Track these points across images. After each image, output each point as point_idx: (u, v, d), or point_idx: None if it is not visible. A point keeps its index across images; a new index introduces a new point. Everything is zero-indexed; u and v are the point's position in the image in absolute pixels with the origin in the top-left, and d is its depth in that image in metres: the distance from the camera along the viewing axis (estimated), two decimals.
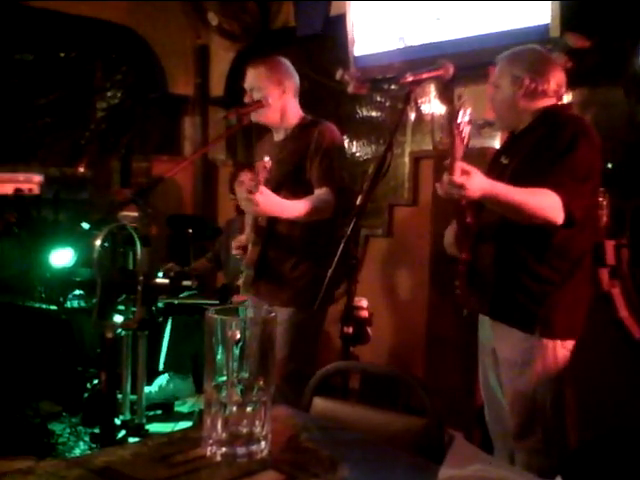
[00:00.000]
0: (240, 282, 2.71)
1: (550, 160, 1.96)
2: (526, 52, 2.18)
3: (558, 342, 2.05)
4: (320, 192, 2.49)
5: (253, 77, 2.62)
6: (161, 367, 3.86)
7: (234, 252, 2.73)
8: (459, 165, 1.78)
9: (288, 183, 2.54)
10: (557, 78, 2.12)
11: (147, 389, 3.45)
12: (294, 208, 2.44)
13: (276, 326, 1.14)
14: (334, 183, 2.49)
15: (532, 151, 2.05)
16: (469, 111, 1.82)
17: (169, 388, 3.79)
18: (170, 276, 3.61)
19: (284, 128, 2.65)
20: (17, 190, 3.31)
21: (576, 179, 1.94)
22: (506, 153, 2.19)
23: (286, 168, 2.56)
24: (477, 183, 1.81)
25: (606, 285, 2.81)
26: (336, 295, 2.54)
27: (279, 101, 2.59)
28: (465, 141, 1.81)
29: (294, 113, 2.65)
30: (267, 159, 2.25)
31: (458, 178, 1.78)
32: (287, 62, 2.68)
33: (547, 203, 1.89)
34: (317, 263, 2.46)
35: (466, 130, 1.80)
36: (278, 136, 2.69)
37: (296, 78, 2.67)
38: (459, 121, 1.80)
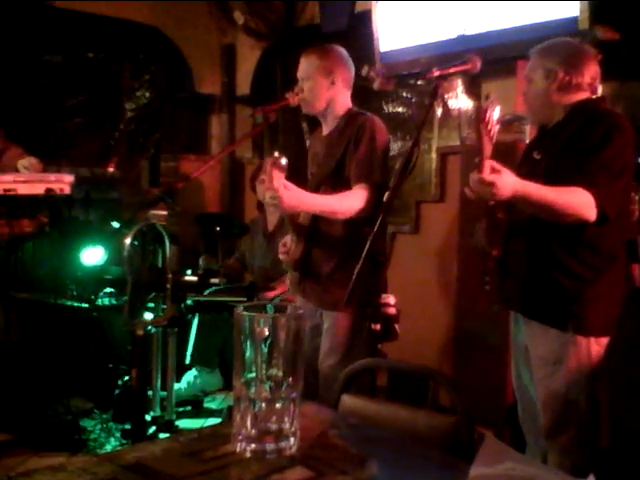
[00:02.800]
0: (287, 282, 2.67)
1: (583, 156, 1.93)
2: (560, 45, 2.14)
3: (592, 339, 2.01)
4: (357, 188, 2.38)
5: (304, 66, 2.53)
6: (188, 361, 3.89)
7: (280, 256, 2.62)
8: (488, 163, 1.77)
9: (330, 178, 2.46)
10: (591, 71, 2.08)
11: (176, 386, 3.48)
12: (322, 202, 2.36)
13: (305, 323, 1.14)
14: (372, 180, 2.37)
15: (565, 146, 2.01)
16: (497, 109, 1.80)
17: (197, 383, 3.82)
18: (198, 274, 3.64)
19: (331, 121, 2.55)
20: (48, 190, 3.35)
21: (609, 176, 1.91)
22: (538, 148, 2.15)
23: (329, 163, 2.48)
24: (508, 182, 1.79)
25: (638, 281, 2.76)
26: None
27: (327, 92, 2.49)
28: (493, 140, 1.80)
29: (342, 105, 2.54)
30: (277, 154, 2.17)
31: (488, 177, 1.76)
32: (342, 52, 2.57)
33: (579, 202, 1.86)
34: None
35: (495, 129, 1.79)
36: (326, 129, 2.59)
37: (350, 69, 2.56)
38: (487, 120, 1.79)
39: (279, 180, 2.16)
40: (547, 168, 2.02)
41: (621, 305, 2.09)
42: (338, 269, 2.44)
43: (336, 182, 2.44)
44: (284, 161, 2.16)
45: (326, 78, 2.49)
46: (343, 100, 2.55)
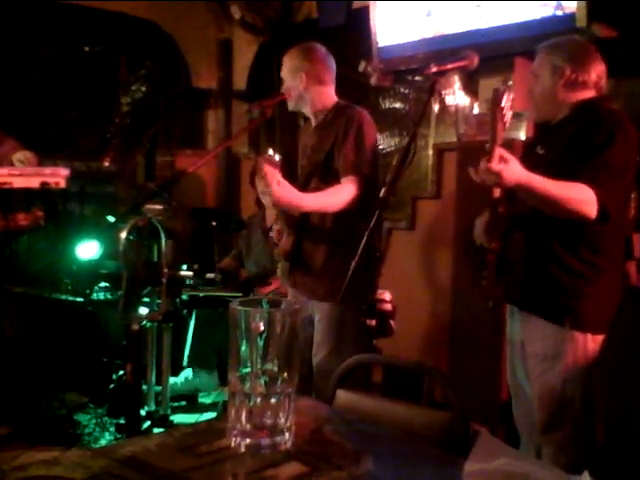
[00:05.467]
0: (278, 272, 2.67)
1: (587, 154, 1.94)
2: (567, 42, 2.14)
3: (589, 335, 2.02)
4: (345, 181, 2.41)
5: (282, 70, 2.59)
6: (185, 362, 3.88)
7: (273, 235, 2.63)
8: (498, 152, 1.77)
9: (320, 171, 2.48)
10: (598, 69, 2.08)
11: (173, 380, 3.47)
12: (311, 201, 2.39)
13: (300, 318, 1.14)
14: (360, 173, 2.40)
15: (569, 144, 2.01)
16: (511, 96, 1.80)
17: (194, 381, 3.82)
18: (194, 269, 3.64)
19: (316, 115, 2.58)
20: (44, 184, 3.34)
21: (612, 175, 1.92)
22: (542, 144, 2.16)
23: (317, 156, 2.50)
24: (513, 172, 1.80)
25: (634, 279, 2.77)
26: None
27: (297, 90, 2.52)
28: (506, 126, 1.80)
29: (322, 99, 2.55)
30: (270, 152, 2.22)
31: (496, 165, 1.76)
32: (312, 48, 2.58)
33: (582, 198, 1.87)
34: (353, 255, 2.37)
35: (508, 115, 1.79)
36: (314, 121, 2.62)
37: (321, 63, 2.56)
38: (502, 105, 1.78)
39: (273, 176, 2.19)
40: (550, 164, 2.02)
41: (618, 302, 2.09)
42: (329, 261, 2.47)
43: (325, 174, 2.46)
44: (277, 157, 2.20)
45: (294, 78, 2.53)
46: (322, 94, 2.55)
